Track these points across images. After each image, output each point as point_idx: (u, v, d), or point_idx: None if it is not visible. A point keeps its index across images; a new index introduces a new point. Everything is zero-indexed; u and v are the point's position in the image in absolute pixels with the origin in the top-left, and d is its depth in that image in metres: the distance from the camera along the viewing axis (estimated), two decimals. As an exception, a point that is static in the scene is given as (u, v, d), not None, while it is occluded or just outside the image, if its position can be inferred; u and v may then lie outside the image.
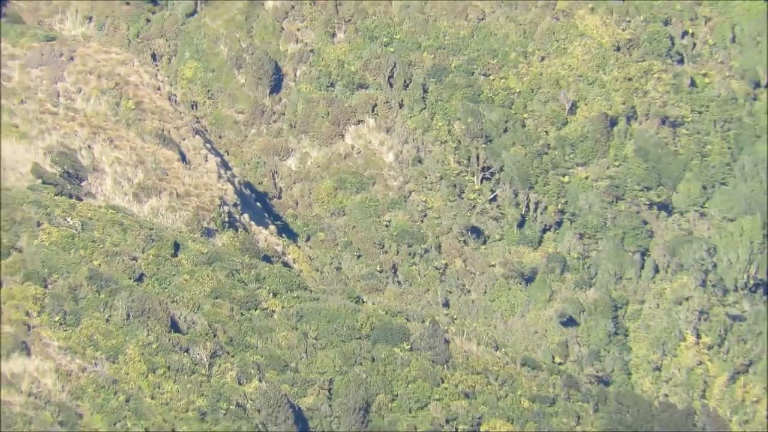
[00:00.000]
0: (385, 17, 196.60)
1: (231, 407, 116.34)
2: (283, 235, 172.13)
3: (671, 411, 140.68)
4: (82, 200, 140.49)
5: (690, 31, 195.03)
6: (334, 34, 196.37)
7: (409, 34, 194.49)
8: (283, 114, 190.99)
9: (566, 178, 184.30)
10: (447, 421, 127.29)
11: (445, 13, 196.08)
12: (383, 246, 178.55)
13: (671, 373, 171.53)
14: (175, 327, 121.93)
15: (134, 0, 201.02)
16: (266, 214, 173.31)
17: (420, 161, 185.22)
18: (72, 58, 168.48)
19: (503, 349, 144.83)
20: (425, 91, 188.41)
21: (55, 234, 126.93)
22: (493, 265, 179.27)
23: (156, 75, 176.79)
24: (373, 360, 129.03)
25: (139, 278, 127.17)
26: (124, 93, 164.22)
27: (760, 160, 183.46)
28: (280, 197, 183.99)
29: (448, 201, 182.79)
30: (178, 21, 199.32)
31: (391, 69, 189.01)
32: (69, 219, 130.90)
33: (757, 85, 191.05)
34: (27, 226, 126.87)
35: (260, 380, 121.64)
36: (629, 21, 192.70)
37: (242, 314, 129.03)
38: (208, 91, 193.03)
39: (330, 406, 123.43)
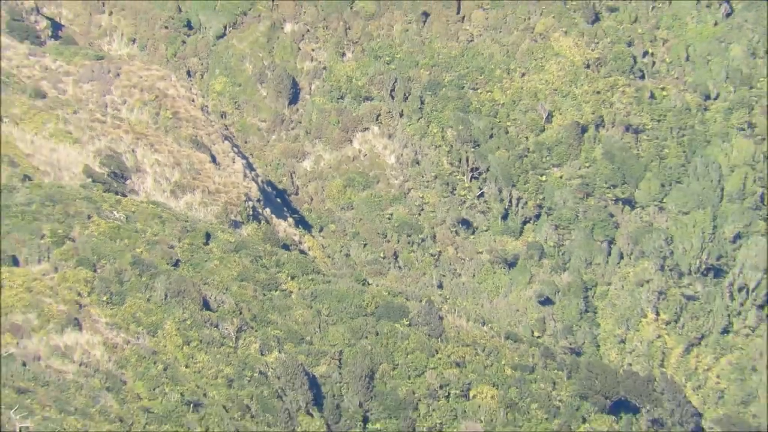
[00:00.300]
0: (388, 39, 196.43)
1: (254, 375, 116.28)
2: (300, 226, 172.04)
3: (634, 378, 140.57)
4: (126, 196, 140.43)
5: (650, 51, 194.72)
6: (343, 54, 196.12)
7: (408, 53, 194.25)
8: (300, 122, 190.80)
9: (543, 178, 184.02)
10: (441, 387, 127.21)
11: (439, 35, 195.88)
12: (386, 236, 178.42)
13: (634, 345, 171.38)
14: (206, 305, 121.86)
15: (172, 24, 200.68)
16: (285, 209, 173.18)
17: (417, 163, 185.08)
18: (118, 75, 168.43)
19: (489, 325, 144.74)
20: (422, 102, 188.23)
21: (103, 225, 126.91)
22: (481, 252, 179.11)
23: (190, 89, 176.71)
24: (377, 334, 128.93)
25: (176, 264, 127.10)
26: (163, 104, 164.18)
27: (711, 162, 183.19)
28: (297, 194, 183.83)
29: (441, 197, 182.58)
30: (209, 42, 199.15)
31: (393, 84, 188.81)
32: (115, 212, 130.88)
33: (708, 97, 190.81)
34: (79, 218, 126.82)
35: (280, 351, 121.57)
36: (597, 42, 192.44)
37: (264, 294, 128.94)
38: (235, 102, 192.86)
39: (340, 373, 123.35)
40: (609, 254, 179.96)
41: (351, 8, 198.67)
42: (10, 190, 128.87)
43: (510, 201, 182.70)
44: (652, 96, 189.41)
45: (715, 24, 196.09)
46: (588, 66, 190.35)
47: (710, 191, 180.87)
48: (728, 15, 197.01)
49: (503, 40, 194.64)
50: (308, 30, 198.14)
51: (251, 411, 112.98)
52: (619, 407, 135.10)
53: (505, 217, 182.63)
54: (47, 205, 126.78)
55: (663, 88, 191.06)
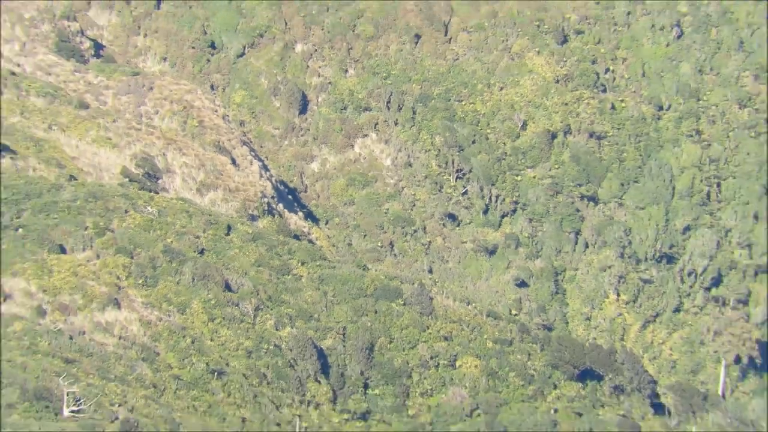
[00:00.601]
0: (384, 58, 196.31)
1: (270, 347, 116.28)
2: (308, 219, 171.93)
3: (598, 350, 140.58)
4: (158, 194, 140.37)
5: (611, 68, 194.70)
6: (346, 71, 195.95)
7: (402, 70, 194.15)
8: (308, 130, 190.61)
9: (519, 177, 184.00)
10: (431, 358, 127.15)
11: (429, 54, 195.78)
12: (383, 228, 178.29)
13: (598, 322, 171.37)
14: (228, 287, 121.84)
15: (198, 45, 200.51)
16: (295, 204, 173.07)
17: (410, 165, 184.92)
18: (151, 88, 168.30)
19: (473, 304, 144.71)
20: (414, 113, 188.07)
21: (138, 219, 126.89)
22: (465, 242, 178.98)
23: (214, 101, 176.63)
24: (376, 312, 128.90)
25: (201, 252, 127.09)
26: (190, 114, 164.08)
27: (663, 164, 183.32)
28: (306, 191, 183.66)
29: (431, 194, 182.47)
30: (230, 60, 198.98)
31: (389, 96, 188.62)
32: (149, 208, 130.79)
33: (661, 108, 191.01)
34: (117, 213, 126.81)
35: (292, 327, 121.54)
36: (566, 60, 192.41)
37: (278, 278, 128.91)
38: (252, 112, 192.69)
39: (344, 346, 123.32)
40: (576, 244, 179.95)
41: (353, 31, 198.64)
42: (57, 188, 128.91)
43: (490, 198, 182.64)
44: (613, 107, 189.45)
45: (668, 45, 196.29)
46: (557, 81, 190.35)
47: (663, 189, 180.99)
48: (679, 37, 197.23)
49: (484, 59, 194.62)
50: (316, 50, 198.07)
51: (267, 378, 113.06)
52: (586, 375, 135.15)
53: (485, 211, 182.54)
54: (90, 201, 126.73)
55: (622, 100, 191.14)
